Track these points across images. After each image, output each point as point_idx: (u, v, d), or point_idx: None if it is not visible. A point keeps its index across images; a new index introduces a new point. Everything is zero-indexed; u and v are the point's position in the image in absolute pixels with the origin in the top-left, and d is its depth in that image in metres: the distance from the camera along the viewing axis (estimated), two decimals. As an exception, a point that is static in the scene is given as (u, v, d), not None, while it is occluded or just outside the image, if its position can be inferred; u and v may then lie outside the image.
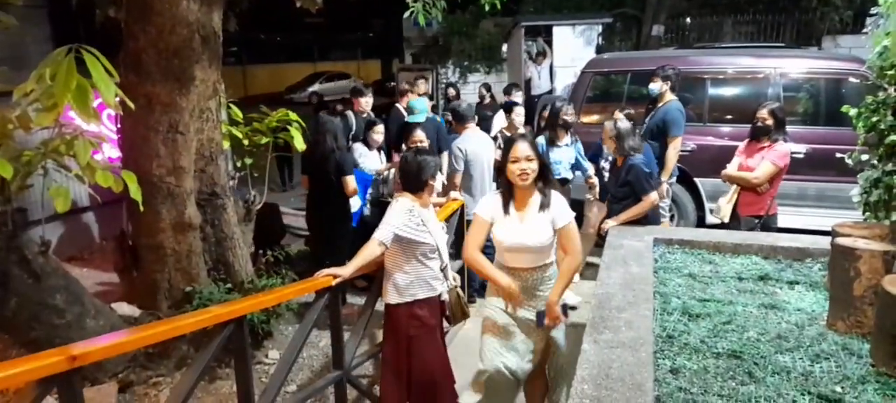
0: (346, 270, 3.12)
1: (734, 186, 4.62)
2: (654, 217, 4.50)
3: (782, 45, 10.07)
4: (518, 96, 7.59)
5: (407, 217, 3.12)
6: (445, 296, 3.35)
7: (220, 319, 2.65)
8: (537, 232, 2.98)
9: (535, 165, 2.97)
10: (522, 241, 3.00)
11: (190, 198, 4.04)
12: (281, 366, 3.11)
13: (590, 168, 5.64)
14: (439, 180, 4.82)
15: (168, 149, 3.86)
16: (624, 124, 4.47)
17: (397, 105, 7.28)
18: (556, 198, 3.06)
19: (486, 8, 5.26)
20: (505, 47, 14.89)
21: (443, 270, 3.31)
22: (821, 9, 12.64)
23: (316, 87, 25.95)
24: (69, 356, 2.05)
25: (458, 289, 3.44)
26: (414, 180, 3.22)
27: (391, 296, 3.22)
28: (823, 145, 5.94)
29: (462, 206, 4.72)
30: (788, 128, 4.66)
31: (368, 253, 3.08)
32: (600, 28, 12.10)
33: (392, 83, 14.21)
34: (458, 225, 4.74)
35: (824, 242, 3.30)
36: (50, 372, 2.02)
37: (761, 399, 2.11)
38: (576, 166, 5.75)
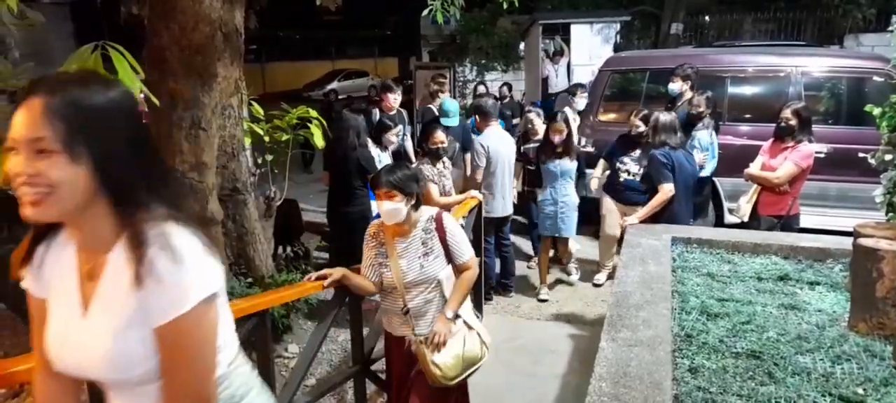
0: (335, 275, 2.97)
1: (755, 185, 4.59)
2: (680, 216, 4.48)
3: (803, 43, 9.96)
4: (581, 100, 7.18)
5: (365, 240, 3.02)
6: (413, 347, 2.93)
7: (243, 312, 2.69)
8: None
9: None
10: None
11: (212, 193, 4.09)
12: (302, 360, 3.15)
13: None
14: (450, 180, 4.87)
15: (191, 145, 3.91)
16: (664, 117, 4.49)
17: (430, 106, 7.13)
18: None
19: (504, 6, 5.26)
20: (522, 45, 14.85)
21: (405, 314, 2.91)
22: (843, 6, 12.45)
23: (334, 85, 26.10)
24: (98, 346, 2.09)
25: (426, 347, 2.87)
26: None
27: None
28: (845, 145, 5.88)
29: (480, 204, 4.74)
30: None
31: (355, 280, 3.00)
32: (618, 26, 12.04)
33: (409, 81, 14.21)
34: (476, 223, 4.76)
35: (845, 243, 3.28)
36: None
37: (781, 399, 2.11)
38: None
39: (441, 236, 2.89)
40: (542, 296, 5.44)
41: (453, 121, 6.01)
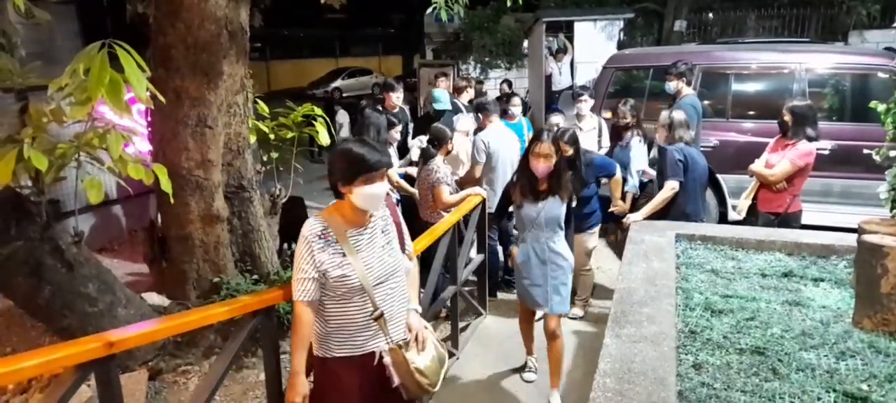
0: None
1: (753, 182, 4.61)
2: (696, 211, 4.49)
3: (807, 39, 9.93)
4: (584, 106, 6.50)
5: (305, 243, 2.33)
6: (387, 359, 2.41)
7: (251, 308, 2.71)
8: None
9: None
10: None
11: (218, 190, 4.11)
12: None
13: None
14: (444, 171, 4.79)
15: (197, 143, 3.93)
16: (678, 114, 4.51)
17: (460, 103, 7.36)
18: None
19: (508, 3, 5.26)
20: (526, 43, 14.84)
21: (377, 319, 2.36)
22: (847, 3, 12.39)
23: (338, 83, 26.12)
24: (106, 342, 2.12)
25: (407, 354, 2.43)
26: (339, 177, 2.36)
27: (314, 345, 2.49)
28: (850, 141, 5.87)
29: (484, 201, 4.75)
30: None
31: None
32: (622, 23, 12.00)
33: (413, 78, 14.23)
34: (480, 220, 4.77)
35: (849, 239, 3.28)
36: (88, 358, 2.09)
37: (785, 395, 2.12)
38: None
39: (395, 219, 2.56)
40: (527, 376, 4.10)
41: (444, 105, 6.50)
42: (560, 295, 3.66)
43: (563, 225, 3.64)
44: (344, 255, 2.31)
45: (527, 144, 3.67)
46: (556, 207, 3.56)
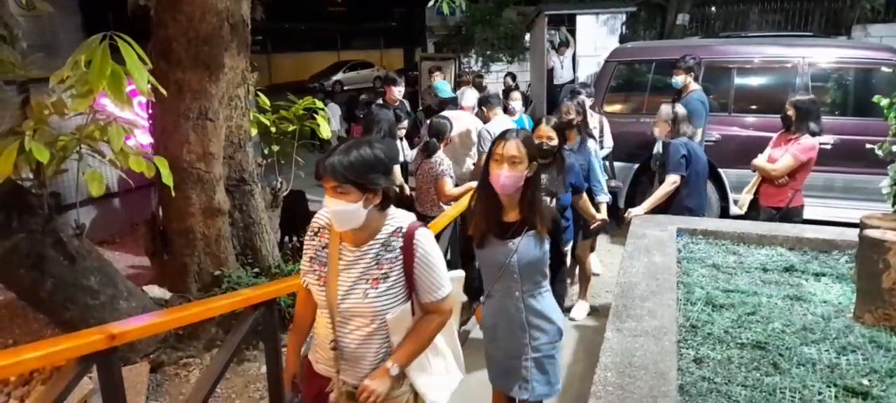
0: None
1: (755, 177, 4.60)
2: (700, 205, 4.48)
3: (810, 33, 9.89)
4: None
5: (308, 231, 2.22)
6: (332, 396, 2.13)
7: (252, 301, 2.72)
8: None
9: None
10: None
11: (219, 183, 4.11)
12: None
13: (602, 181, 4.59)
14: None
15: (198, 136, 3.93)
16: (682, 109, 4.51)
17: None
18: None
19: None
20: (527, 36, 14.80)
21: (333, 348, 2.08)
22: (851, -3, 12.38)
23: (340, 76, 26.08)
24: (108, 334, 2.12)
25: (347, 386, 2.09)
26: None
27: None
28: (852, 136, 5.85)
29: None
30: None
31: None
32: (624, 17, 11.95)
33: (414, 72, 14.22)
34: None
35: (851, 234, 3.27)
36: (90, 350, 2.10)
37: (786, 390, 2.11)
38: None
39: (407, 260, 2.02)
40: None
41: (447, 94, 6.61)
42: (545, 374, 2.66)
43: (546, 272, 2.64)
44: (325, 264, 2.09)
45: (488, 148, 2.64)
46: (532, 247, 2.53)
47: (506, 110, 6.23)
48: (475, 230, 2.61)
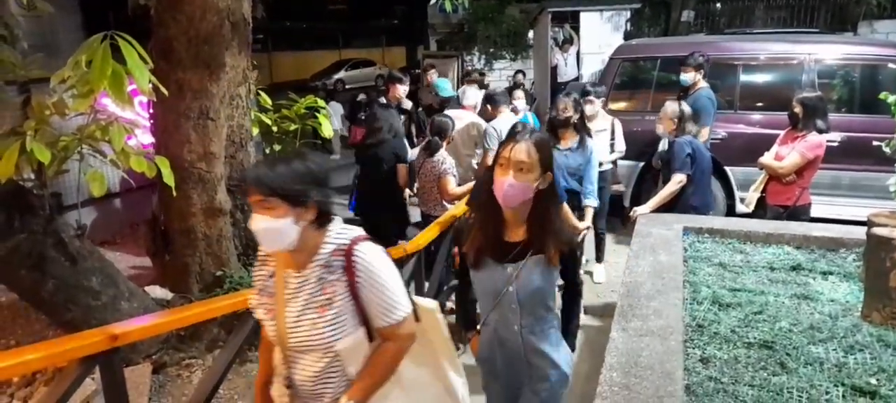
0: None
1: (762, 175, 4.57)
2: (706, 203, 4.45)
3: (816, 30, 9.85)
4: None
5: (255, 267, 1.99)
6: None
7: (253, 302, 2.70)
8: None
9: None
10: None
11: (220, 183, 4.10)
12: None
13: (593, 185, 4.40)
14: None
15: (199, 135, 3.92)
16: (687, 108, 4.50)
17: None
18: None
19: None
20: (531, 34, 14.76)
21: (288, 386, 1.92)
22: (857, -7, 12.30)
23: (341, 75, 26.09)
24: (111, 335, 2.11)
25: None
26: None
27: None
28: (859, 133, 5.81)
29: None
30: (822, 117, 4.56)
31: None
32: (628, 14, 11.93)
33: (416, 70, 14.20)
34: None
35: (859, 232, 3.24)
36: (93, 351, 2.08)
37: (794, 389, 2.09)
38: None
39: (350, 280, 1.78)
40: None
41: (448, 93, 6.70)
42: None
43: (552, 305, 2.25)
44: (273, 295, 1.88)
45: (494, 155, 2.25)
46: (537, 276, 2.14)
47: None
48: (470, 247, 2.20)
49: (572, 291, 2.40)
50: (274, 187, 1.69)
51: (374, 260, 1.81)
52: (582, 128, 4.44)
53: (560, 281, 2.30)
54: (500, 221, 2.16)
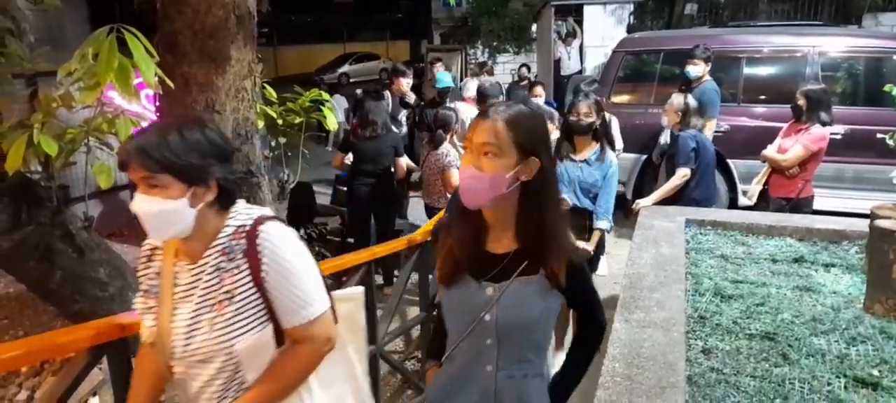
0: None
1: (765, 167, 4.57)
2: (709, 196, 4.45)
3: (820, 22, 9.81)
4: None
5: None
6: None
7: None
8: None
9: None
10: None
11: (226, 176, 4.12)
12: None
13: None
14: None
15: (205, 129, 3.94)
16: (693, 101, 4.48)
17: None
18: None
19: (516, -13, 5.26)
20: (534, 27, 14.75)
21: None
22: (862, -15, 12.24)
23: (346, 68, 26.08)
24: (119, 325, 2.13)
25: None
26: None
27: None
28: (863, 126, 5.81)
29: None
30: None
31: None
32: (632, 7, 11.91)
33: (420, 64, 14.21)
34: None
35: (861, 224, 3.25)
36: (101, 341, 2.10)
37: (795, 380, 2.11)
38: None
39: (254, 267, 1.48)
40: None
41: (447, 84, 6.65)
42: None
43: (544, 345, 1.74)
44: (158, 295, 1.57)
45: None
46: (528, 299, 1.60)
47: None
48: (444, 257, 1.68)
49: (590, 330, 1.81)
50: (166, 161, 1.39)
51: (283, 243, 1.51)
52: (603, 137, 3.82)
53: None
54: (480, 225, 1.63)
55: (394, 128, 5.14)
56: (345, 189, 5.45)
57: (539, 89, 6.84)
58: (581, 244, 3.48)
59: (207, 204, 1.49)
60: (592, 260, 3.79)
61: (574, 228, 3.22)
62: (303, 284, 1.52)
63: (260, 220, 1.52)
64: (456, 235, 1.65)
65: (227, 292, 1.49)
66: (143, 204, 1.44)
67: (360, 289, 1.96)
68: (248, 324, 1.50)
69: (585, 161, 3.75)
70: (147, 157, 1.39)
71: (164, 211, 1.42)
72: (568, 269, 1.60)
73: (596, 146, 3.76)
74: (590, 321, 1.82)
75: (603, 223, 3.76)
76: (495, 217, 1.61)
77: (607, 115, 5.02)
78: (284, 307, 1.51)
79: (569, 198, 3.72)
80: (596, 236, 3.76)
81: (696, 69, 5.77)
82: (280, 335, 1.56)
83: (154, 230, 1.49)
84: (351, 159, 5.20)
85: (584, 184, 3.73)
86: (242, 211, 1.56)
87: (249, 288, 1.49)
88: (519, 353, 1.65)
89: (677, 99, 4.56)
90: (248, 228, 1.51)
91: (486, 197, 1.53)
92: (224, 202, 1.53)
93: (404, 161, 5.07)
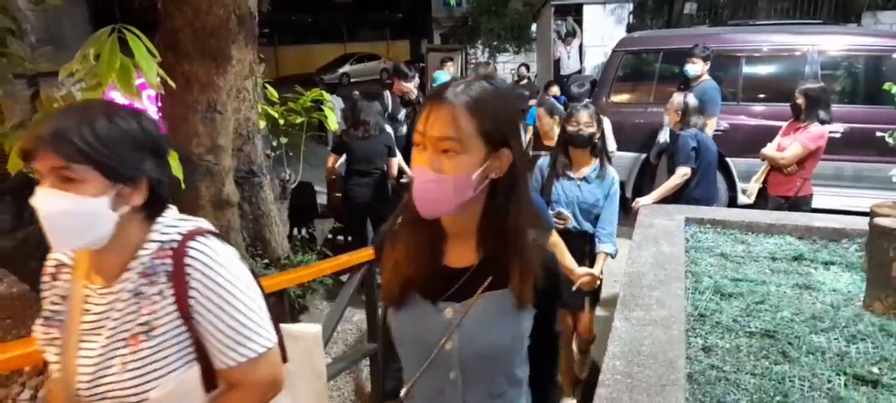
0: None
1: (764, 166, 4.58)
2: (709, 195, 4.46)
3: (820, 21, 9.82)
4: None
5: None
6: None
7: (261, 292, 2.74)
8: None
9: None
10: None
11: (228, 175, 4.14)
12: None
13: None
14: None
15: (207, 128, 3.95)
16: (693, 101, 4.48)
17: None
18: None
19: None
20: (534, 27, 14.76)
21: None
22: (861, -17, 12.24)
23: (346, 68, 26.09)
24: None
25: None
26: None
27: None
28: (862, 124, 5.82)
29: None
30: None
31: None
32: (631, 6, 11.92)
33: (421, 63, 14.22)
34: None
35: (861, 222, 3.26)
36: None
37: (795, 378, 2.12)
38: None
39: (179, 293, 1.22)
40: None
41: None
42: None
43: (519, 374, 1.36)
44: (61, 326, 1.26)
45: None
46: (494, 322, 1.28)
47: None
48: (389, 274, 1.31)
49: (545, 347, 1.41)
50: (88, 148, 1.12)
51: (218, 264, 1.24)
52: (603, 152, 3.39)
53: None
54: (436, 234, 1.28)
55: (388, 128, 5.13)
56: (338, 194, 5.45)
57: (555, 89, 6.82)
58: (585, 270, 3.21)
59: (133, 208, 1.21)
60: (595, 291, 3.42)
61: (574, 254, 3.13)
62: (242, 315, 1.24)
63: (190, 235, 1.24)
64: (405, 246, 1.29)
65: (144, 324, 1.20)
66: (49, 202, 1.13)
67: (317, 328, 1.67)
68: (168, 365, 1.20)
69: (585, 178, 3.32)
70: (64, 142, 1.11)
71: (77, 211, 1.13)
72: (540, 282, 1.27)
73: (595, 162, 3.33)
74: (547, 338, 1.41)
75: (607, 246, 3.32)
76: (455, 224, 1.27)
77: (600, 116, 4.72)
78: (218, 343, 1.23)
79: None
80: (601, 260, 3.32)
81: (695, 68, 5.77)
82: (211, 377, 1.27)
83: (61, 236, 1.17)
84: (344, 160, 5.20)
85: (584, 204, 3.31)
86: (171, 223, 1.27)
87: (173, 320, 1.21)
88: (490, 387, 1.31)
89: (678, 98, 4.56)
90: (174, 245, 1.23)
91: (450, 205, 1.18)
92: (153, 209, 1.25)
93: (397, 160, 5.06)
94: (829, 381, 2.10)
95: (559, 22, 12.21)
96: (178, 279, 1.20)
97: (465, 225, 1.26)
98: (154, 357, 1.20)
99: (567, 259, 3.10)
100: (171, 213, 1.31)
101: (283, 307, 2.92)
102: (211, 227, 1.32)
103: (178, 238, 1.25)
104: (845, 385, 2.09)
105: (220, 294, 1.22)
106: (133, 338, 1.19)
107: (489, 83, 1.23)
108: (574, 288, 3.18)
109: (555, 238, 2.95)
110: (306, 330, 1.63)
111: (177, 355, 1.22)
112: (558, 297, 1.40)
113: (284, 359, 1.41)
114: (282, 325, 1.46)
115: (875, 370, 2.15)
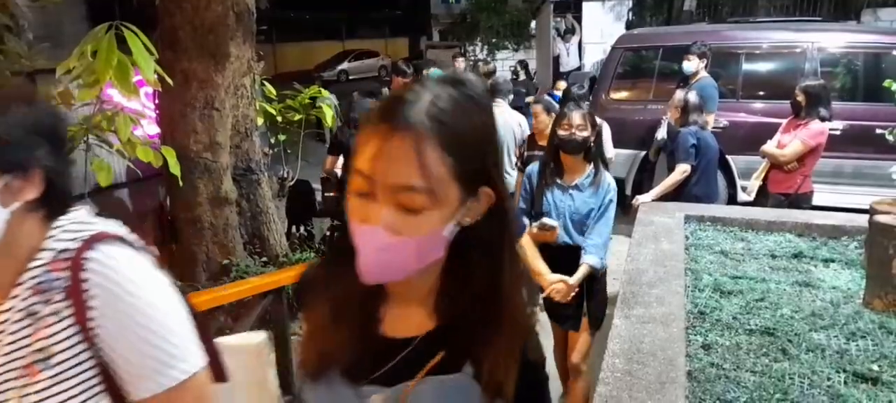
0: None
1: (764, 163, 4.58)
2: (710, 193, 4.45)
3: (820, 18, 9.82)
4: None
5: None
6: None
7: (260, 290, 2.74)
8: None
9: None
10: None
11: (226, 173, 4.13)
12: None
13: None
14: None
15: (205, 125, 3.94)
16: (693, 98, 4.46)
17: None
18: None
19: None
20: (533, 24, 14.75)
21: None
22: (861, -20, 12.24)
23: (345, 65, 26.06)
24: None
25: None
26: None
27: None
28: (862, 121, 5.81)
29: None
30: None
31: None
32: (631, 3, 11.92)
33: (420, 61, 14.23)
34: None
35: (860, 220, 3.25)
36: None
37: (795, 376, 2.11)
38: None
39: (79, 313, 0.99)
40: None
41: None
42: None
43: None
44: None
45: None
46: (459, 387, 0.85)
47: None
48: (307, 338, 0.98)
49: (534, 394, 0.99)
50: None
51: (124, 275, 1.02)
52: (599, 158, 3.11)
53: None
54: (373, 292, 0.90)
55: None
56: (333, 193, 5.41)
57: (561, 83, 6.78)
58: (558, 276, 2.86)
59: (26, 205, 1.00)
60: (571, 313, 3.00)
61: (563, 272, 2.86)
62: (155, 337, 1.01)
63: (89, 242, 1.01)
64: (330, 300, 0.91)
65: (40, 350, 0.99)
66: None
67: (262, 336, 1.54)
68: (72, 399, 1.00)
69: (577, 186, 3.00)
70: None
71: None
72: (523, 370, 0.87)
73: (589, 167, 3.02)
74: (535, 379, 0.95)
75: (592, 258, 2.94)
76: (404, 284, 0.88)
77: (599, 121, 4.00)
78: (130, 371, 1.01)
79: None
80: (582, 271, 2.93)
81: (691, 65, 5.77)
82: None
83: None
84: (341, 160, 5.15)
85: (577, 215, 2.98)
86: (70, 227, 1.04)
87: (73, 345, 0.99)
88: None
89: (679, 95, 4.56)
90: (71, 255, 1.00)
91: (407, 271, 0.83)
92: (51, 208, 1.04)
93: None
94: (829, 379, 2.09)
95: (558, 19, 12.20)
96: (76, 295, 0.98)
97: (420, 285, 0.89)
98: (55, 390, 0.99)
99: (537, 262, 2.86)
100: (77, 214, 1.07)
101: (281, 305, 2.91)
102: (119, 231, 1.09)
103: (76, 245, 1.01)
104: (845, 382, 2.08)
105: (127, 312, 0.99)
106: (29, 368, 0.98)
107: (460, 89, 0.82)
108: (542, 296, 2.87)
109: (523, 239, 2.65)
110: (249, 341, 1.49)
111: (82, 387, 1.00)
112: (543, 387, 0.96)
113: (223, 379, 1.22)
114: (220, 340, 1.29)
115: (875, 367, 2.15)
